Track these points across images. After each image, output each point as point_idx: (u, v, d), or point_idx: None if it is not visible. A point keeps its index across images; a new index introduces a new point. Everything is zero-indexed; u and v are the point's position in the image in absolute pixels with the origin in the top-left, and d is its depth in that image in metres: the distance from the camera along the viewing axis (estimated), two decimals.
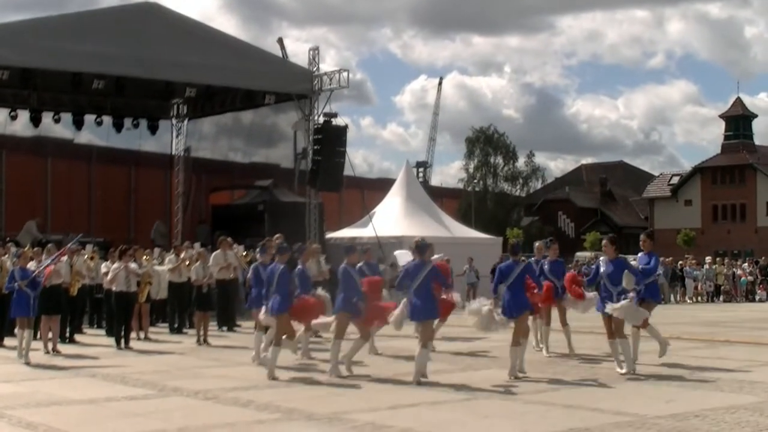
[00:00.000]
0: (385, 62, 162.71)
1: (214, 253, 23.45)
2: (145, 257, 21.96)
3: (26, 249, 20.97)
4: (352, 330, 15.24)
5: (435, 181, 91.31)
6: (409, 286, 13.95)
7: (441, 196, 65.36)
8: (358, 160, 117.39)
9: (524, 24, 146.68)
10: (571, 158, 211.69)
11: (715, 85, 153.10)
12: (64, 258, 19.80)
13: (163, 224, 38.95)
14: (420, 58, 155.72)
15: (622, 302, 14.53)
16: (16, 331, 17.72)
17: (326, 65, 34.52)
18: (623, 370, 14.72)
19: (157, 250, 26.61)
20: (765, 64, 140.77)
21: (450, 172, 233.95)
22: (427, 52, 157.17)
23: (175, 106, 40.40)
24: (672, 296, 40.90)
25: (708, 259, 45.58)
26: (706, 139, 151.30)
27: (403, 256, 18.17)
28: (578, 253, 58.64)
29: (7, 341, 19.53)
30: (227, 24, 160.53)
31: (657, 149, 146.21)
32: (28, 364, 16.37)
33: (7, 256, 21.26)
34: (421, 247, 14.16)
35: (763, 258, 49.25)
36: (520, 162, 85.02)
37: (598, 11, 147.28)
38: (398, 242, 29.57)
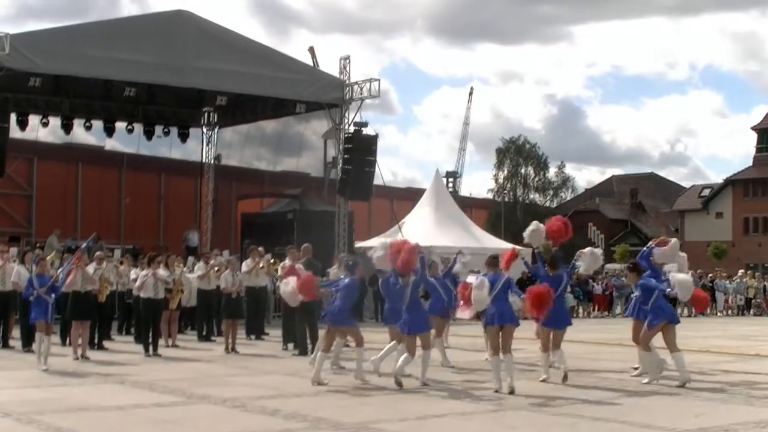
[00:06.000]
0: (405, 71, 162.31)
1: (245, 262, 23.52)
2: (177, 265, 22.02)
3: (50, 256, 21.13)
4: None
5: (462, 191, 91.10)
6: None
7: (470, 206, 65.22)
8: (383, 169, 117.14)
9: (543, 33, 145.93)
10: (596, 169, 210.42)
11: (738, 96, 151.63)
12: (93, 264, 19.89)
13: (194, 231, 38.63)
14: (440, 68, 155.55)
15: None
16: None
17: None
18: (645, 380, 15.29)
19: (191, 259, 26.69)
20: None
21: (474, 182, 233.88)
22: (447, 61, 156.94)
23: (206, 114, 40.60)
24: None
25: (740, 272, 45.28)
26: (731, 150, 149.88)
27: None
28: (607, 265, 58.30)
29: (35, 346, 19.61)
30: (248, 32, 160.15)
31: (682, 160, 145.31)
32: (46, 370, 16.38)
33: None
34: (495, 260, 14.90)
35: None
36: (551, 172, 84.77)
37: (617, 20, 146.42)
38: (427, 252, 29.39)
